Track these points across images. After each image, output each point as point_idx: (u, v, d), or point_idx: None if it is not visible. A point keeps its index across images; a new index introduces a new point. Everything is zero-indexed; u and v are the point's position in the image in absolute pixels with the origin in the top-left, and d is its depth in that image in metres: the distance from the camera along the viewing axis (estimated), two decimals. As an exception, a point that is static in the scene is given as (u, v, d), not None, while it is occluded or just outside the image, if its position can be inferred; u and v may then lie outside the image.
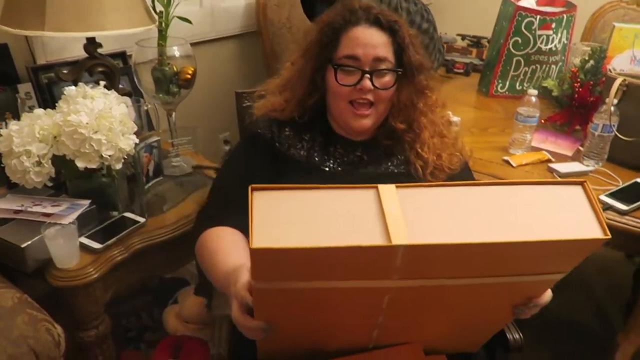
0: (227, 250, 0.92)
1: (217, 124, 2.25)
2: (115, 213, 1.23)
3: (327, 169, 1.03)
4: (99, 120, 1.07)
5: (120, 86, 1.52)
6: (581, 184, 0.63)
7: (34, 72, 1.47)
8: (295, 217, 0.61)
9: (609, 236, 0.58)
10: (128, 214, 1.22)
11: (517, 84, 1.92)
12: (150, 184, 1.37)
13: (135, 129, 1.15)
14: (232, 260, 0.85)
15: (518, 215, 0.61)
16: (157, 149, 1.37)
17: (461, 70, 2.78)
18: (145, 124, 1.64)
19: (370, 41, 0.96)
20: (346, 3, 1.02)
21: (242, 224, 0.96)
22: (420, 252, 0.59)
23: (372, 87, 0.96)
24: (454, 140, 1.07)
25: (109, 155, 1.08)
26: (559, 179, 0.63)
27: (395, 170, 1.03)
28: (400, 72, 0.99)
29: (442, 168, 1.02)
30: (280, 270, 0.61)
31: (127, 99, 1.44)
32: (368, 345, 0.80)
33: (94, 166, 1.09)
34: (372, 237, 0.59)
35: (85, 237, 1.13)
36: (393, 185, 0.63)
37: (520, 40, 1.82)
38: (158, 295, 1.48)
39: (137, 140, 1.15)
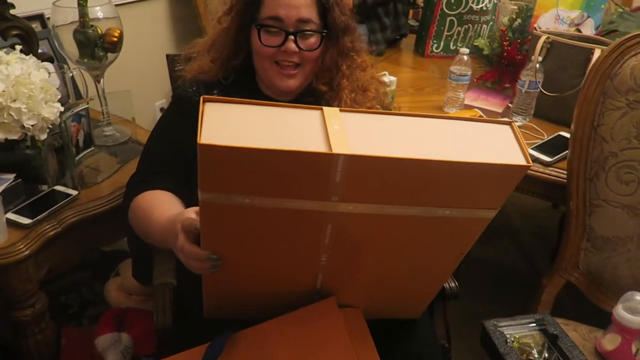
0: (163, 204, 0.91)
1: (153, 91, 2.16)
2: (44, 187, 1.17)
3: None
4: (17, 88, 0.99)
5: (40, 51, 1.42)
6: (509, 123, 0.68)
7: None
8: (244, 126, 0.62)
9: (531, 163, 0.63)
10: (59, 187, 1.17)
11: (451, 44, 1.96)
12: (81, 155, 1.30)
13: (59, 95, 1.09)
14: (171, 211, 0.85)
15: (452, 143, 0.66)
16: (86, 117, 1.30)
17: (399, 32, 2.81)
18: (71, 92, 1.54)
19: (293, 1, 0.94)
20: None
21: (173, 189, 0.95)
22: (359, 166, 0.61)
23: (296, 49, 0.95)
24: (377, 94, 1.06)
25: (31, 125, 1.01)
26: (491, 118, 0.68)
27: None
28: (324, 34, 0.97)
29: None
30: (226, 176, 0.62)
31: (49, 65, 1.35)
32: (313, 296, 0.82)
33: (15, 137, 1.02)
34: (314, 147, 0.61)
35: (13, 212, 1.07)
36: (337, 108, 0.66)
37: (452, 0, 1.85)
38: (98, 269, 1.44)
39: (62, 108, 1.08)
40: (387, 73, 1.42)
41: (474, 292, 1.64)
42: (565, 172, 1.17)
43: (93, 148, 1.35)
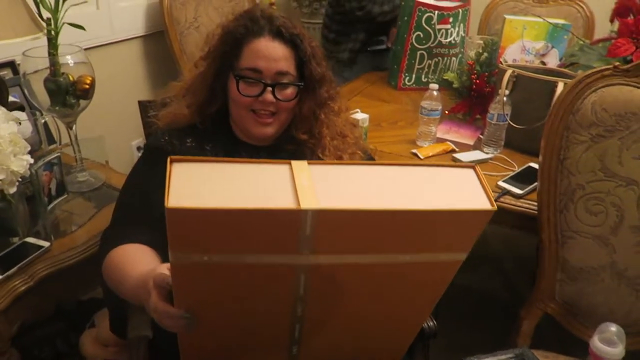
0: (136, 259, 0.90)
1: (128, 131, 2.15)
2: (15, 239, 1.14)
3: None
4: (-15, 143, 0.98)
5: (12, 99, 1.41)
6: (472, 167, 0.69)
7: None
8: (212, 185, 0.62)
9: (495, 208, 0.63)
10: (30, 239, 1.14)
11: (423, 77, 2.01)
12: (54, 204, 1.29)
13: (28, 148, 1.07)
14: (144, 266, 0.84)
15: (418, 191, 0.67)
16: (58, 165, 1.29)
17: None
18: (44, 138, 1.53)
19: (272, 54, 0.96)
20: (250, 11, 1.01)
21: (148, 241, 0.95)
22: (328, 219, 0.62)
23: (273, 100, 0.97)
24: (356, 139, 1.09)
25: (0, 180, 1.00)
26: (454, 163, 0.69)
27: None
28: (301, 86, 1.00)
29: None
30: (195, 237, 0.62)
31: (21, 114, 1.35)
32: (292, 349, 0.81)
33: (-17, 192, 1.00)
34: (282, 204, 0.61)
35: (-18, 268, 1.04)
36: (305, 162, 0.67)
37: (422, 35, 1.91)
38: (73, 319, 1.40)
39: (31, 161, 1.07)
40: (359, 110, 1.44)
41: (455, 321, 1.64)
42: (535, 203, 1.20)
43: (66, 195, 1.33)
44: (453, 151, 1.48)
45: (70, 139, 1.37)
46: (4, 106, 1.26)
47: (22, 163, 1.03)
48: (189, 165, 0.64)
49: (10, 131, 1.04)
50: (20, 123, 1.32)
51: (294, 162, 0.67)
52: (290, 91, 0.99)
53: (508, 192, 1.28)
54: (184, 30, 2.10)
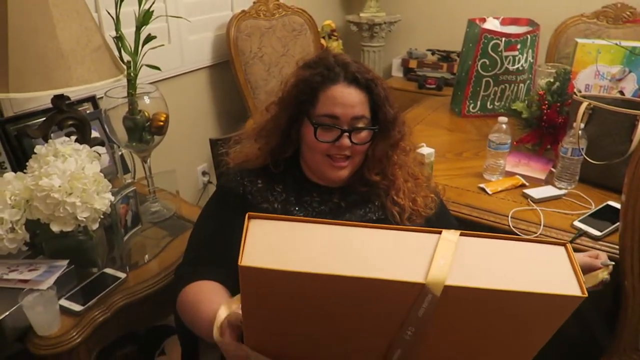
0: (212, 297, 0.93)
1: (194, 155, 2.24)
2: (95, 269, 1.21)
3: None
4: (72, 183, 1.05)
5: (94, 134, 1.50)
6: (564, 245, 0.65)
7: (1, 125, 1.44)
8: (292, 245, 0.63)
9: (586, 295, 0.59)
10: (108, 270, 1.20)
11: (488, 104, 1.95)
12: (130, 234, 1.35)
13: (110, 187, 1.14)
14: (217, 302, 0.86)
15: (508, 270, 0.64)
16: (134, 197, 1.36)
17: (433, 86, 2.83)
18: (120, 169, 1.62)
19: (349, 101, 0.97)
20: (323, 58, 1.02)
21: (221, 280, 0.97)
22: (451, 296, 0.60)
23: (349, 145, 0.98)
24: (427, 180, 1.09)
25: (85, 217, 1.06)
26: (545, 239, 0.67)
27: (374, 217, 1.05)
28: (377, 129, 1.01)
29: (418, 212, 1.04)
30: (271, 301, 0.63)
31: (101, 148, 1.43)
32: None
33: (69, 229, 1.07)
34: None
35: (65, 299, 1.11)
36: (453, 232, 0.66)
37: (487, 62, 1.86)
38: (144, 345, 1.46)
39: (112, 199, 1.13)
40: (424, 145, 1.42)
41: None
42: (617, 246, 1.13)
43: (140, 226, 1.39)
44: (523, 186, 1.43)
45: (145, 172, 1.44)
46: (86, 142, 1.35)
47: (104, 202, 1.09)
48: (267, 222, 0.65)
49: (94, 171, 1.10)
50: (100, 156, 1.42)
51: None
52: (365, 135, 1.00)
53: (585, 234, 1.21)
54: (248, 61, 2.17)
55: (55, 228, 1.06)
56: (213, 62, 2.20)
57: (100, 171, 1.58)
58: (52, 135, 1.32)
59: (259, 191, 1.05)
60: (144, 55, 1.30)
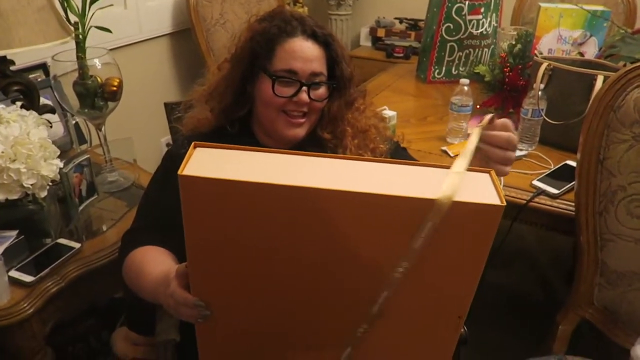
0: (157, 260, 0.91)
1: (157, 129, 2.17)
2: (48, 240, 1.17)
3: None
4: (16, 148, 1.00)
5: (45, 101, 1.43)
6: (488, 172, 0.66)
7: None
8: (244, 164, 0.62)
9: (504, 204, 0.59)
10: (62, 240, 1.17)
11: (453, 69, 1.95)
12: (85, 204, 1.31)
13: (58, 152, 1.09)
14: (165, 266, 0.84)
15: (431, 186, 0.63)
16: (88, 166, 1.31)
17: (401, 54, 2.81)
18: (75, 139, 1.56)
19: (307, 55, 0.95)
20: (279, 12, 0.99)
21: (167, 247, 0.95)
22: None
23: (308, 100, 0.96)
24: (377, 132, 1.06)
25: (31, 184, 1.02)
26: (472, 167, 0.69)
27: None
28: (334, 86, 0.99)
29: None
30: (212, 215, 0.61)
31: (52, 116, 1.37)
32: (345, 351, 0.75)
33: (15, 197, 1.02)
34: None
35: (16, 269, 1.07)
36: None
37: (452, 26, 1.85)
38: (106, 317, 1.43)
39: (61, 165, 1.09)
40: (386, 108, 1.41)
41: (487, 322, 1.60)
42: (573, 204, 1.14)
43: (97, 196, 1.35)
44: (485, 148, 1.43)
45: (100, 141, 1.39)
46: (35, 109, 1.29)
47: (52, 168, 1.05)
48: (213, 150, 0.64)
49: (40, 136, 1.05)
50: (51, 126, 1.36)
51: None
52: (322, 91, 0.98)
53: (543, 192, 1.22)
54: (210, 28, 2.10)
55: (0, 196, 1.01)
56: (174, 29, 2.13)
57: (54, 142, 1.54)
58: (-4, 101, 1.25)
59: None
60: (92, 16, 1.24)
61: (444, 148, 1.43)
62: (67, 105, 1.32)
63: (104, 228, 1.27)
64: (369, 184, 0.61)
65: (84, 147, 1.62)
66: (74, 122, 1.53)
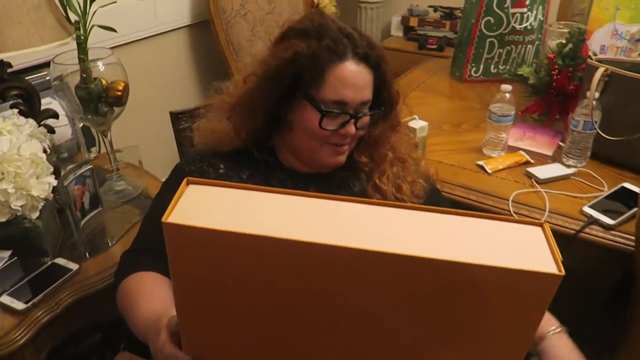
0: (152, 291, 0.83)
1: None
2: (45, 259, 1.09)
3: None
4: (3, 166, 0.91)
5: (52, 100, 1.34)
6: (541, 225, 0.55)
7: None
8: (236, 209, 0.54)
9: (563, 273, 0.50)
10: (59, 260, 1.08)
11: (492, 67, 1.77)
12: (87, 218, 1.22)
13: (51, 169, 1.00)
14: (159, 302, 0.77)
15: (477, 247, 0.54)
16: (91, 177, 1.22)
17: (435, 46, 2.63)
18: (83, 143, 1.48)
19: (359, 82, 0.84)
20: (324, 26, 0.85)
21: (166, 272, 0.85)
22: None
23: (355, 132, 0.87)
24: (415, 164, 0.95)
25: (20, 206, 0.93)
26: (518, 218, 0.58)
27: None
28: (382, 112, 0.90)
29: (402, 200, 0.90)
30: (199, 262, 0.54)
31: (56, 121, 1.28)
32: None
33: (2, 220, 0.93)
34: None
35: (8, 294, 0.99)
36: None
37: (492, 20, 1.67)
38: (110, 335, 1.35)
39: (54, 183, 0.99)
40: (416, 117, 1.26)
41: None
42: (632, 237, 0.99)
43: (101, 208, 1.26)
44: (527, 163, 1.27)
45: (106, 149, 1.30)
46: (35, 115, 1.20)
47: (43, 187, 0.96)
48: (208, 188, 0.55)
49: (31, 151, 0.96)
50: (54, 132, 1.28)
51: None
52: (368, 118, 0.89)
53: (596, 222, 1.07)
54: (230, 19, 1.98)
55: (-14, 218, 0.92)
56: (191, 21, 2.01)
57: (61, 145, 1.46)
58: (-7, 107, 1.17)
59: (220, 178, 0.91)
60: (93, 14, 1.13)
61: (480, 162, 1.27)
62: (70, 111, 1.22)
63: (109, 243, 1.19)
64: (414, 243, 0.51)
65: (93, 150, 1.54)
66: (81, 125, 1.45)
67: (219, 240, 0.50)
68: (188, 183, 0.56)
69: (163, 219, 0.50)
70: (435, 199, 0.97)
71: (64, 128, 1.42)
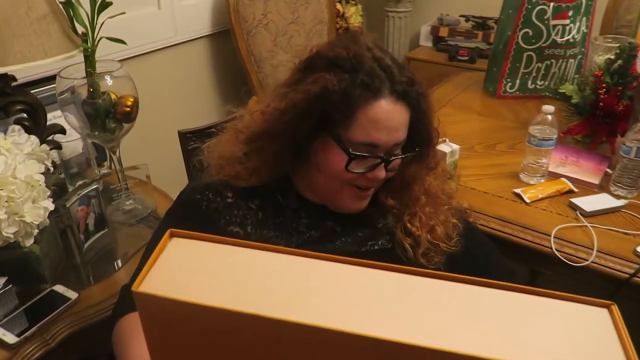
0: (143, 339, 0.73)
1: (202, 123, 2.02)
2: (44, 285, 1.02)
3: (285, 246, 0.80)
4: (-5, 191, 0.84)
5: (60, 116, 1.29)
6: (607, 306, 0.44)
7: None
8: (219, 272, 0.47)
9: None
10: (58, 288, 1.01)
11: (529, 83, 1.65)
12: (91, 241, 1.15)
13: (48, 192, 0.92)
14: (146, 350, 0.67)
15: (511, 335, 0.43)
16: (97, 197, 1.15)
17: (466, 57, 2.51)
18: (93, 158, 1.41)
19: (394, 123, 0.74)
20: (358, 56, 0.74)
21: None
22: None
23: (384, 175, 0.77)
24: (448, 197, 0.84)
25: (12, 233, 0.86)
26: (576, 296, 0.45)
27: (376, 246, 0.80)
28: (416, 154, 0.79)
29: (437, 245, 0.79)
30: (172, 329, 0.47)
31: (69, 132, 1.22)
32: None
33: (-6, 247, 0.87)
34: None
35: (0, 326, 0.92)
36: None
37: (531, 32, 1.55)
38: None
39: (51, 207, 0.92)
40: (447, 139, 1.15)
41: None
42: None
43: (106, 230, 1.19)
44: (570, 192, 1.15)
45: (115, 166, 1.23)
46: (40, 131, 1.14)
47: (38, 212, 0.88)
48: (191, 243, 0.48)
49: (27, 173, 0.89)
50: (61, 147, 1.21)
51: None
52: (399, 160, 0.78)
53: (652, 266, 0.93)
54: (251, 29, 1.90)
55: (-23, 245, 0.86)
56: (211, 31, 1.95)
57: (71, 160, 1.40)
58: (-4, 123, 1.11)
59: (228, 208, 0.82)
60: (101, 25, 1.06)
61: (517, 190, 1.15)
62: (76, 127, 1.16)
63: (116, 267, 1.11)
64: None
65: (105, 165, 1.48)
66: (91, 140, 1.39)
67: (191, 311, 0.44)
68: (171, 235, 0.49)
69: (133, 287, 0.43)
70: (471, 242, 0.85)
71: (74, 142, 1.36)
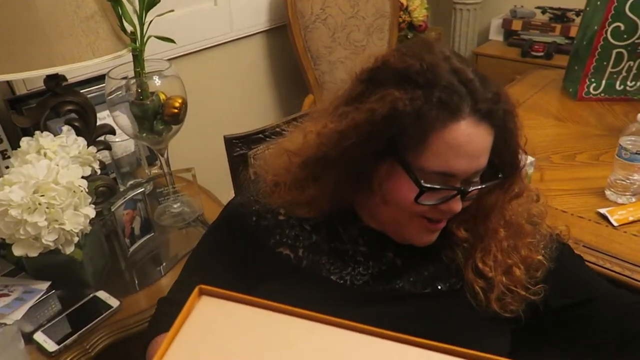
0: None
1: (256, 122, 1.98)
2: (88, 291, 1.00)
3: (337, 279, 0.70)
4: (35, 196, 0.81)
5: (119, 114, 1.27)
6: None
7: (12, 104, 1.26)
8: (235, 342, 0.44)
9: None
10: (101, 294, 0.99)
11: (618, 84, 1.46)
12: (137, 245, 1.12)
13: (90, 199, 0.89)
14: None
15: None
16: (143, 201, 1.12)
17: (541, 53, 2.31)
18: (143, 158, 1.40)
19: (475, 150, 0.61)
20: (434, 68, 0.61)
21: None
22: None
23: (460, 208, 0.65)
24: (535, 226, 0.70)
25: (52, 241, 0.83)
26: None
27: (444, 286, 0.69)
28: (499, 181, 0.66)
29: (515, 292, 0.67)
30: None
31: (112, 137, 1.21)
32: None
33: (34, 254, 0.85)
34: None
35: (42, 331, 0.91)
36: None
37: (622, 27, 1.36)
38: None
39: (92, 214, 0.89)
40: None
41: None
42: None
43: (153, 234, 1.16)
44: (668, 215, 0.99)
45: (163, 169, 1.19)
46: (90, 132, 1.13)
47: (79, 220, 0.85)
48: (221, 304, 0.45)
49: (68, 179, 0.86)
50: (110, 148, 1.20)
51: None
52: (478, 190, 0.65)
53: None
54: (309, 24, 1.83)
55: (18, 252, 0.84)
56: (267, 26, 1.89)
57: (123, 159, 1.39)
58: (47, 123, 1.10)
59: (279, 226, 0.74)
60: (150, 24, 1.02)
61: (602, 211, 1.00)
62: (123, 129, 1.13)
63: (162, 272, 1.09)
64: None
65: (157, 164, 1.46)
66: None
67: None
68: (200, 293, 0.46)
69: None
70: (569, 273, 0.71)
71: (125, 142, 1.34)
